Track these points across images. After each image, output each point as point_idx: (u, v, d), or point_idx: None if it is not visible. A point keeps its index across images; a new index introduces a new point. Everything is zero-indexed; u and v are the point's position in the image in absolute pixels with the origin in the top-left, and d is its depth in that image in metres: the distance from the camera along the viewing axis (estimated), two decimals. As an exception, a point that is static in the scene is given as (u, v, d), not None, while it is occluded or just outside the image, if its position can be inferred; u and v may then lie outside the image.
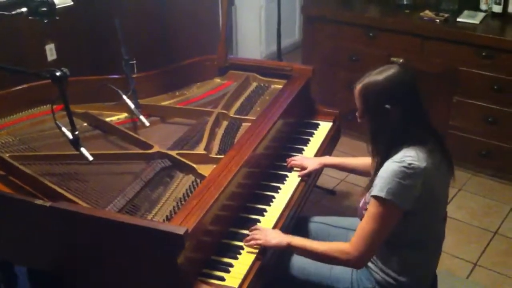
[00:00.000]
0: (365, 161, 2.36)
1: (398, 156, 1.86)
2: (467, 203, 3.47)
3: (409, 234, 1.95)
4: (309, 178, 2.48)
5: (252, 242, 2.01)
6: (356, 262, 1.91)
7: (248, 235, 2.07)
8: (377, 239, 1.88)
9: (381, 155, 1.93)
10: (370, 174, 2.06)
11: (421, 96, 1.92)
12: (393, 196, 1.82)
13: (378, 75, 1.89)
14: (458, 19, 3.61)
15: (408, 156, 1.84)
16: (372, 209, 1.87)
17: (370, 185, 1.96)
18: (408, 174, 1.82)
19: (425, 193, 1.87)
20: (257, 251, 2.00)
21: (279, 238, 2.02)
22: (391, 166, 1.84)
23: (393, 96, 1.87)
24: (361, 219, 1.97)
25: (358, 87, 1.94)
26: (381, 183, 1.84)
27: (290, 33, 5.53)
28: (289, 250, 2.04)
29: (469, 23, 3.57)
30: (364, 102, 1.94)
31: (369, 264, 2.04)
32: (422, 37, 3.60)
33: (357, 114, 1.99)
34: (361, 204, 2.05)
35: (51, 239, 1.96)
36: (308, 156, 2.58)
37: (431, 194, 1.91)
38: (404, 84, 1.89)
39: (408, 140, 1.88)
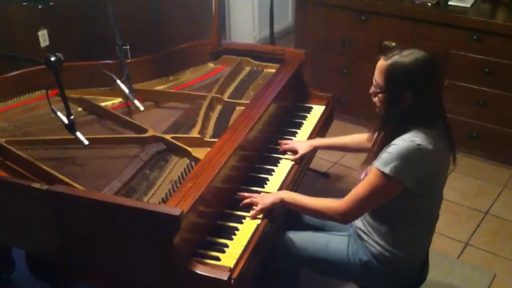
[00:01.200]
0: (355, 138, 2.43)
1: (407, 136, 1.88)
2: (458, 184, 3.52)
3: (408, 212, 2.00)
4: (302, 161, 2.52)
5: (248, 200, 2.13)
6: (342, 218, 2.02)
7: (243, 216, 2.11)
8: (367, 205, 1.98)
9: (389, 132, 1.95)
10: (362, 150, 2.09)
11: (442, 85, 1.95)
12: (396, 173, 1.86)
13: (407, 57, 1.87)
14: (450, 3, 3.63)
15: (418, 137, 1.86)
16: (372, 179, 1.91)
17: (369, 159, 2.01)
18: (416, 154, 1.85)
19: (430, 176, 1.92)
20: (252, 231, 2.04)
21: (273, 196, 2.13)
22: (400, 144, 1.87)
23: (416, 82, 1.87)
24: None
25: (385, 63, 1.91)
26: (388, 158, 1.87)
27: (283, 17, 5.53)
28: (284, 205, 2.13)
29: (460, 6, 3.60)
30: (386, 80, 1.92)
31: (365, 237, 2.09)
32: (413, 20, 3.63)
33: (372, 87, 1.98)
34: (362, 177, 2.08)
35: (49, 223, 1.98)
36: (299, 140, 2.61)
37: (435, 177, 1.96)
38: (430, 71, 1.89)
39: (419, 123, 1.90)
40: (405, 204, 1.97)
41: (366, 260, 2.09)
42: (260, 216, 2.11)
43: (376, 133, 2.05)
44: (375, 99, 1.99)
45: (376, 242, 2.06)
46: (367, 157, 2.06)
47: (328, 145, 2.59)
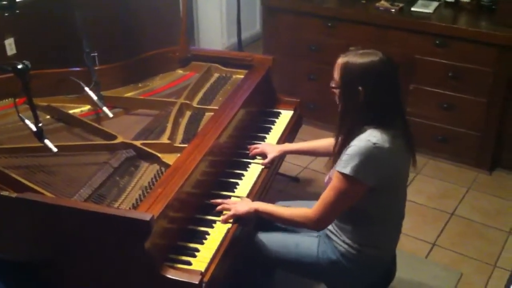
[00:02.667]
0: (323, 142, 2.48)
1: (363, 136, 1.95)
2: (425, 187, 3.59)
3: (373, 209, 2.05)
4: (272, 165, 2.55)
5: (220, 206, 2.16)
6: (315, 226, 2.08)
7: (213, 220, 2.13)
8: (337, 209, 2.02)
9: (345, 133, 2.02)
10: (330, 154, 2.14)
11: (397, 86, 2.00)
12: (356, 173, 1.91)
13: (363, 58, 1.96)
14: (413, 9, 3.72)
15: (374, 137, 1.93)
16: (336, 183, 1.97)
17: (332, 163, 2.06)
18: (373, 153, 1.91)
19: (390, 173, 1.98)
20: (222, 235, 2.06)
21: (247, 206, 2.16)
22: (357, 144, 1.94)
23: (368, 81, 1.95)
24: None
25: (341, 60, 2.00)
26: (346, 160, 1.94)
27: (251, 25, 5.57)
28: (257, 215, 2.16)
29: (423, 12, 3.68)
30: (342, 77, 2.00)
31: (333, 237, 2.14)
32: (378, 26, 3.70)
33: (331, 84, 2.06)
34: (326, 180, 2.13)
35: (19, 230, 1.98)
36: (269, 143, 2.65)
37: (396, 174, 2.03)
38: (383, 72, 1.96)
39: (373, 122, 1.96)
40: (370, 203, 2.02)
41: (335, 259, 2.13)
42: (231, 220, 2.14)
43: (336, 133, 2.10)
44: (335, 95, 2.06)
45: (343, 241, 2.11)
46: (329, 160, 2.12)
47: (297, 150, 2.64)
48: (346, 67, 1.98)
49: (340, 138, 2.05)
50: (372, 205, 2.04)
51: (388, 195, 2.04)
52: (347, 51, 2.01)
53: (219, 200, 2.21)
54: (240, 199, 2.25)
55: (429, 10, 3.69)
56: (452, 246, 3.12)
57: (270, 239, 2.23)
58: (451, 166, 3.78)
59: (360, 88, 1.95)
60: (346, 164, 1.93)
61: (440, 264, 2.99)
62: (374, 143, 1.91)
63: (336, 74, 2.03)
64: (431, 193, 3.55)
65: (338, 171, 1.96)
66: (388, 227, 2.15)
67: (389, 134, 1.95)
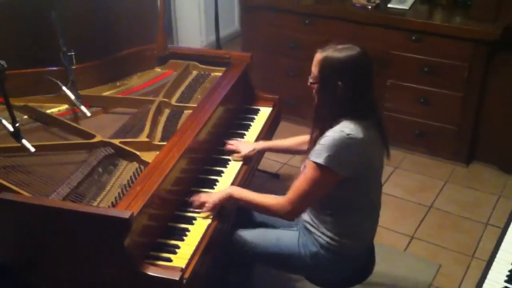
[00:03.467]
0: (297, 139, 2.51)
1: (337, 127, 1.98)
2: (402, 181, 3.64)
3: (348, 200, 2.09)
4: (251, 162, 2.56)
5: (196, 202, 2.16)
6: (288, 215, 2.09)
7: (193, 217, 2.15)
8: (309, 198, 2.05)
9: (321, 126, 2.05)
10: (305, 152, 2.16)
11: (373, 80, 2.05)
12: (330, 163, 1.95)
13: (340, 52, 1.99)
14: (389, 5, 3.76)
15: (347, 128, 1.97)
16: (309, 172, 2.00)
17: (307, 152, 2.09)
18: (346, 143, 1.95)
19: (364, 163, 2.02)
20: (202, 231, 2.07)
21: (220, 192, 2.18)
22: (331, 135, 1.97)
23: (346, 75, 1.98)
24: None
25: (320, 55, 2.03)
26: (320, 150, 1.97)
27: (229, 22, 5.58)
28: (231, 201, 2.18)
29: (399, 8, 3.72)
30: (320, 72, 2.03)
31: (313, 230, 2.16)
32: (355, 23, 3.73)
33: (309, 78, 2.08)
34: (301, 168, 2.16)
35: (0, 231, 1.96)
36: (244, 141, 2.65)
37: (369, 164, 2.06)
38: (360, 67, 2.01)
39: (348, 115, 2.00)
40: (344, 193, 2.06)
41: (315, 251, 2.16)
42: (211, 215, 2.15)
43: (312, 127, 2.13)
44: (313, 89, 2.09)
45: (322, 233, 2.13)
46: (307, 151, 2.14)
47: (271, 147, 2.64)
48: (324, 62, 2.01)
49: (315, 131, 2.09)
50: (347, 195, 2.07)
51: (362, 185, 2.08)
52: (325, 46, 2.04)
53: (194, 197, 2.21)
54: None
55: (405, 6, 3.73)
56: (430, 238, 3.17)
57: (251, 234, 2.25)
58: (429, 160, 3.84)
59: (339, 82, 1.98)
60: (319, 153, 1.96)
61: (418, 256, 3.03)
62: (348, 134, 1.95)
63: (315, 69, 2.05)
64: (409, 186, 3.59)
65: (312, 161, 1.99)
66: (365, 217, 2.18)
67: (363, 125, 1.99)
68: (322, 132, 2.03)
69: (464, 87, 3.54)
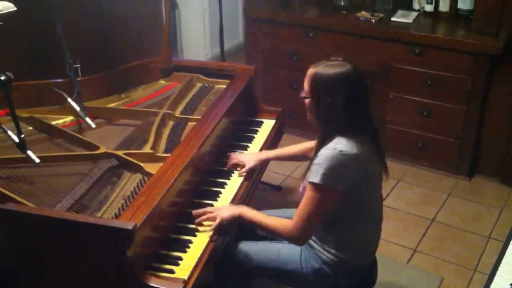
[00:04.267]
0: (301, 146, 2.54)
1: (330, 144, 2.00)
2: (405, 194, 3.64)
3: (350, 216, 2.09)
4: (253, 175, 2.56)
5: (204, 217, 2.15)
6: (297, 239, 2.10)
7: (196, 229, 2.15)
8: (315, 220, 2.05)
9: (318, 143, 2.07)
10: (309, 159, 2.18)
11: (365, 96, 2.06)
12: (327, 181, 1.96)
13: (330, 69, 2.01)
14: (392, 19, 3.78)
15: (340, 144, 1.98)
16: (309, 193, 2.02)
17: (307, 171, 2.10)
18: (340, 160, 1.96)
19: (359, 176, 2.02)
20: (205, 243, 2.08)
21: (231, 210, 2.18)
22: (324, 153, 1.99)
23: (334, 91, 2.00)
24: None
25: (311, 71, 2.06)
26: (316, 170, 1.99)
27: (234, 35, 5.61)
28: (241, 221, 2.18)
29: (402, 22, 3.75)
30: (310, 87, 2.06)
31: (314, 245, 2.17)
32: (358, 36, 3.76)
33: (301, 92, 2.11)
34: (300, 189, 2.18)
35: (3, 240, 1.98)
36: (247, 153, 2.67)
37: (365, 176, 2.06)
38: (349, 83, 2.01)
39: (342, 131, 2.02)
40: (344, 209, 2.06)
41: (317, 268, 2.16)
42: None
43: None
44: (305, 104, 2.11)
45: (325, 249, 2.14)
46: (305, 170, 2.15)
47: (276, 156, 2.66)
48: (314, 78, 2.04)
49: (315, 147, 2.11)
50: (346, 211, 2.07)
51: (361, 199, 2.09)
52: (318, 62, 2.07)
53: (201, 210, 2.21)
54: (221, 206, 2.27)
55: (409, 20, 3.75)
56: (432, 251, 3.17)
57: (252, 247, 2.25)
58: (431, 173, 3.84)
59: (327, 98, 2.00)
60: (315, 174, 1.98)
61: (421, 269, 3.03)
62: (341, 150, 1.96)
63: (306, 84, 2.08)
64: (412, 199, 3.60)
65: (309, 182, 2.00)
66: (366, 231, 2.19)
67: (357, 140, 2.00)
68: (318, 148, 2.05)
69: (466, 100, 3.55)
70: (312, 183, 1.99)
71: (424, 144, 3.80)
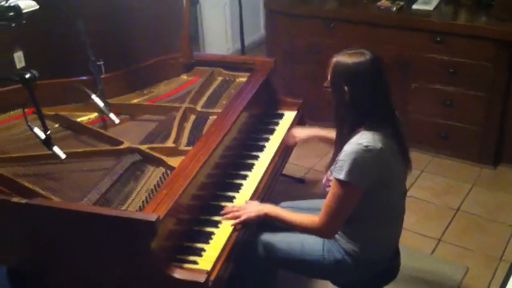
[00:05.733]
0: None
1: (355, 139, 1.99)
2: (429, 184, 3.62)
3: (370, 208, 2.09)
4: (277, 164, 2.58)
5: (230, 215, 2.18)
6: (324, 233, 2.12)
7: (219, 221, 2.18)
8: (341, 215, 2.05)
9: (341, 137, 2.07)
10: None
11: (385, 86, 2.05)
12: (351, 177, 1.96)
13: (351, 58, 2.01)
14: (413, 7, 3.76)
15: (364, 139, 1.97)
16: (334, 189, 2.02)
17: (331, 163, 2.11)
18: (365, 155, 1.95)
19: (383, 172, 2.02)
20: (228, 234, 2.11)
21: (257, 209, 2.19)
22: (349, 149, 1.98)
23: (352, 80, 2.00)
24: (324, 196, 2.11)
25: (333, 60, 2.06)
26: (341, 166, 1.98)
27: (255, 29, 5.62)
28: (266, 219, 2.19)
29: (423, 10, 3.72)
30: (331, 76, 2.07)
31: (338, 237, 2.17)
32: (378, 26, 3.74)
33: (325, 83, 2.12)
34: (324, 181, 2.19)
35: (30, 236, 2.03)
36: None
37: (389, 172, 2.05)
38: (368, 73, 2.01)
39: (365, 124, 2.01)
40: (368, 202, 2.06)
41: (340, 258, 2.17)
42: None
43: (336, 132, 2.15)
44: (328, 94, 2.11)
45: (348, 241, 2.15)
46: (329, 162, 2.15)
47: (324, 137, 2.61)
48: (334, 67, 2.04)
49: (338, 142, 2.10)
50: (371, 204, 2.07)
51: (385, 193, 2.08)
52: (341, 51, 2.07)
53: (228, 209, 2.22)
54: (245, 202, 2.28)
55: (430, 7, 3.73)
56: (457, 241, 3.15)
57: (274, 238, 2.26)
58: (455, 163, 3.82)
59: (345, 87, 2.01)
60: (340, 170, 1.98)
61: (445, 259, 3.02)
62: (366, 146, 1.95)
63: (328, 73, 2.09)
64: (436, 189, 3.58)
65: (335, 178, 2.01)
66: (389, 224, 2.19)
67: (380, 134, 1.99)
68: (342, 141, 2.04)
69: (488, 87, 3.52)
70: (338, 180, 1.99)
71: (447, 133, 3.78)
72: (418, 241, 3.14)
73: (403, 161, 2.12)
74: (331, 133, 2.54)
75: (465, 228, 3.25)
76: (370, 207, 2.08)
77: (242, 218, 2.17)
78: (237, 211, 2.20)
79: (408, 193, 3.43)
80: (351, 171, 1.96)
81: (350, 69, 2.00)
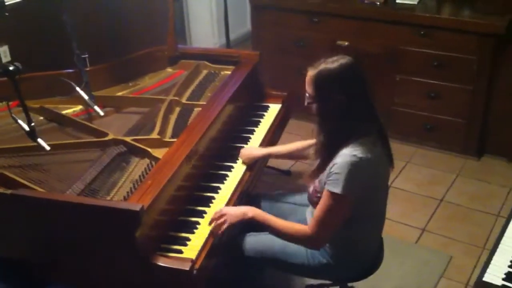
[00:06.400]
0: (299, 145, 2.49)
1: (347, 151, 1.95)
2: (414, 175, 3.67)
3: (356, 214, 2.05)
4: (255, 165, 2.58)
5: (217, 228, 2.12)
6: (314, 244, 2.08)
7: (204, 211, 2.20)
8: (332, 226, 2.03)
9: (330, 148, 2.02)
10: (306, 158, 2.17)
11: (369, 88, 2.02)
12: (346, 190, 1.94)
13: (332, 64, 1.97)
14: (398, 1, 3.78)
15: (356, 150, 1.95)
16: (328, 201, 1.98)
17: (316, 172, 2.08)
18: (359, 167, 1.94)
19: (373, 180, 2.03)
20: (213, 224, 2.13)
21: (240, 212, 2.14)
22: (343, 161, 1.95)
23: (342, 84, 1.96)
24: (313, 205, 2.12)
25: (311, 73, 2.00)
26: (337, 179, 1.95)
27: (242, 24, 5.62)
28: (252, 222, 2.15)
29: (407, 3, 3.75)
30: (316, 89, 2.00)
31: None
32: (364, 19, 3.77)
33: (306, 100, 2.06)
34: (311, 191, 2.16)
35: (15, 227, 2.04)
36: (247, 148, 2.59)
37: (378, 179, 2.08)
38: (356, 75, 1.99)
39: (355, 133, 1.98)
40: (355, 211, 2.04)
41: (324, 262, 2.18)
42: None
43: (318, 148, 2.09)
44: (312, 110, 2.05)
45: (331, 245, 2.15)
46: (313, 171, 2.11)
47: (279, 153, 2.59)
48: (318, 78, 1.98)
49: (321, 149, 2.06)
50: (358, 211, 2.05)
51: (372, 198, 2.09)
52: (314, 63, 2.01)
53: (213, 224, 2.14)
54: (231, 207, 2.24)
55: (414, 1, 3.75)
56: (441, 231, 3.19)
57: (259, 239, 2.25)
58: (440, 154, 3.86)
59: (336, 94, 1.96)
60: (335, 183, 1.95)
61: (429, 248, 3.06)
62: (360, 158, 1.93)
63: (309, 89, 2.02)
64: (420, 180, 3.62)
65: (329, 191, 1.97)
66: (375, 224, 2.21)
67: (369, 142, 1.98)
68: (330, 151, 2.01)
69: (473, 80, 3.56)
70: (333, 193, 1.96)
71: (432, 125, 3.81)
72: (402, 231, 3.18)
73: (388, 162, 2.12)
74: (284, 148, 2.57)
75: (449, 218, 3.29)
76: (357, 213, 2.05)
77: (225, 226, 2.11)
78: (219, 218, 2.13)
79: (393, 185, 3.51)
80: (348, 184, 1.93)
81: (337, 73, 1.95)
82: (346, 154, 1.95)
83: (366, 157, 1.94)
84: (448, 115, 3.73)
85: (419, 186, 3.56)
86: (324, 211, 1.99)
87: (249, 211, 2.17)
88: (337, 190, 1.95)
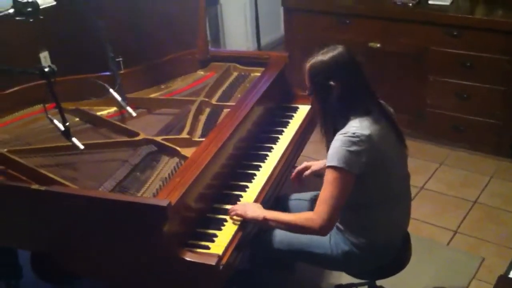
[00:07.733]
0: None
1: (344, 129, 2.05)
2: (447, 177, 3.64)
3: (370, 195, 2.12)
4: (290, 156, 2.64)
5: (233, 213, 2.20)
6: (320, 228, 2.06)
7: (232, 209, 2.24)
8: (335, 203, 2.03)
9: (330, 132, 2.12)
10: None
11: (363, 72, 2.11)
12: (343, 163, 1.99)
13: (324, 55, 2.07)
14: (429, 1, 3.77)
15: (352, 127, 2.03)
16: (327, 177, 2.04)
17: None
18: (353, 142, 2.00)
19: (375, 157, 2.04)
20: (239, 222, 2.17)
21: (256, 212, 2.18)
22: (338, 138, 2.04)
23: (336, 73, 2.06)
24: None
25: (306, 66, 2.11)
26: (332, 153, 2.03)
27: (275, 28, 5.66)
28: (266, 223, 2.18)
29: (440, 4, 3.73)
30: (311, 80, 2.11)
31: (343, 228, 2.20)
32: (395, 21, 3.77)
33: (306, 92, 2.17)
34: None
35: (48, 222, 2.12)
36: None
37: (382, 156, 2.08)
38: (347, 63, 2.07)
39: (352, 114, 2.06)
40: (364, 190, 2.08)
41: (347, 250, 2.20)
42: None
43: (323, 134, 2.19)
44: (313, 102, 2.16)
45: (353, 233, 2.18)
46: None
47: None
48: (311, 69, 2.09)
49: (327, 138, 2.15)
50: (371, 191, 2.09)
51: (383, 177, 2.10)
52: (309, 56, 2.12)
53: (230, 208, 2.21)
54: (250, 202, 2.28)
55: (446, 2, 3.73)
56: (473, 232, 3.16)
57: (283, 233, 2.27)
58: (473, 156, 3.82)
59: (331, 83, 2.05)
60: (332, 157, 2.02)
61: (461, 249, 3.03)
62: (354, 133, 2.00)
63: (307, 81, 2.13)
64: (453, 182, 3.59)
65: (327, 165, 2.04)
66: (390, 209, 2.19)
67: (368, 120, 2.04)
68: (331, 132, 2.10)
69: (505, 81, 3.51)
70: (329, 167, 2.02)
71: (464, 126, 3.78)
72: (434, 232, 3.16)
73: (398, 143, 2.15)
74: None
75: (482, 220, 3.26)
76: (370, 193, 2.10)
77: (239, 212, 2.17)
78: (237, 207, 2.20)
79: (426, 186, 3.49)
80: (343, 157, 1.99)
81: (329, 63, 2.06)
82: (342, 132, 2.03)
83: (360, 133, 2.00)
84: (480, 116, 3.70)
85: (452, 188, 3.53)
86: (325, 188, 2.04)
87: (262, 213, 2.17)
88: (333, 163, 2.01)
